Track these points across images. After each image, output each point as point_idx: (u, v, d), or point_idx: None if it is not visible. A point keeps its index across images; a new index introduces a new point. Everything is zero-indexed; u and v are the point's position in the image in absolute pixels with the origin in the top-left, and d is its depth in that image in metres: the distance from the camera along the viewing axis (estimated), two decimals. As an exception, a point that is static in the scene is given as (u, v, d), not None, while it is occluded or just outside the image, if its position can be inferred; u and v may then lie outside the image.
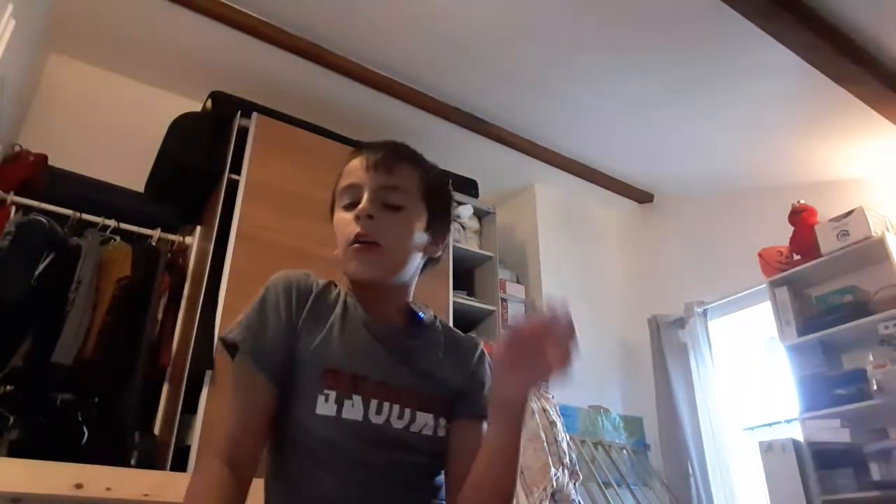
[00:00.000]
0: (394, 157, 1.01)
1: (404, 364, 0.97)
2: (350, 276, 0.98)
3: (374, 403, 0.91)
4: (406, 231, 0.98)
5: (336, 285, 1.03)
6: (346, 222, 0.97)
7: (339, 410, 0.89)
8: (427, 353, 1.01)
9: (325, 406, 0.89)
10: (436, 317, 1.08)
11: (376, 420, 0.91)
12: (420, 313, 1.05)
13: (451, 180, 1.08)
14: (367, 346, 0.96)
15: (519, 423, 0.87)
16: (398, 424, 0.92)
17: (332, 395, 0.89)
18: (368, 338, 0.97)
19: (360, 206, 0.96)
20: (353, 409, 0.90)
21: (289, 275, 0.99)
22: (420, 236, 1.01)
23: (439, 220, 1.05)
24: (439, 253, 1.06)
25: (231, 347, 0.93)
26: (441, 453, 0.97)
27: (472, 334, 1.20)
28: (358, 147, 1.06)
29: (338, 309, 0.98)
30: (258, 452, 0.91)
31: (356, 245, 0.95)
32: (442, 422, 0.97)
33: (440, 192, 1.08)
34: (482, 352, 1.10)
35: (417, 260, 1.02)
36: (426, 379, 0.98)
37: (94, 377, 2.25)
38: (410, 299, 1.05)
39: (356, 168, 1.01)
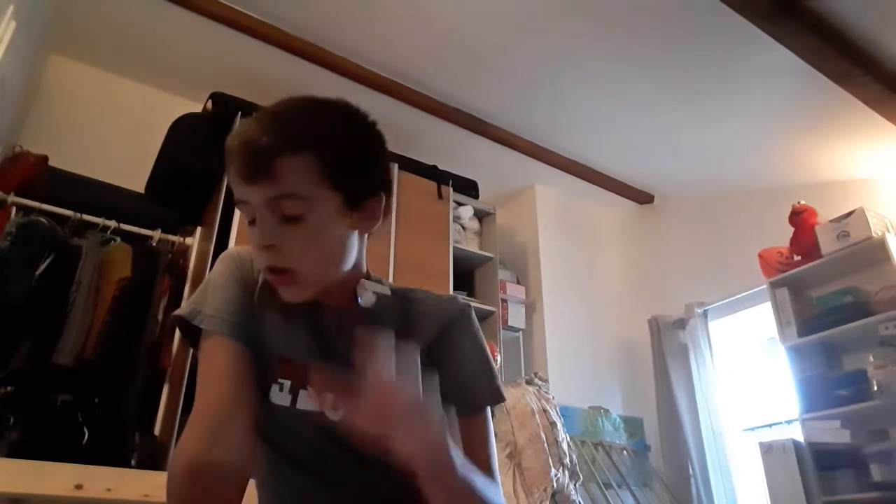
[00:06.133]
0: (269, 154, 0.78)
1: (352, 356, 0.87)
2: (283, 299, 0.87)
3: (327, 398, 0.84)
4: (317, 242, 0.83)
5: None
6: (253, 243, 0.84)
7: (294, 401, 0.83)
8: None
9: (279, 395, 0.83)
10: (377, 294, 0.93)
11: (332, 416, 0.82)
12: (360, 297, 0.91)
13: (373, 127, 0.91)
14: (316, 337, 0.88)
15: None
16: None
17: (287, 384, 0.84)
18: (318, 327, 0.89)
19: (258, 234, 0.82)
20: (308, 401, 0.84)
21: (240, 249, 0.92)
22: (340, 229, 0.85)
23: (362, 187, 0.86)
24: (380, 221, 0.89)
25: (188, 325, 0.85)
26: None
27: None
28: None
29: None
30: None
31: (271, 276, 0.83)
32: None
33: (350, 156, 0.85)
34: (458, 313, 0.95)
35: (354, 244, 0.88)
36: None
37: (94, 378, 2.25)
38: (364, 271, 0.94)
39: (233, 173, 0.81)
